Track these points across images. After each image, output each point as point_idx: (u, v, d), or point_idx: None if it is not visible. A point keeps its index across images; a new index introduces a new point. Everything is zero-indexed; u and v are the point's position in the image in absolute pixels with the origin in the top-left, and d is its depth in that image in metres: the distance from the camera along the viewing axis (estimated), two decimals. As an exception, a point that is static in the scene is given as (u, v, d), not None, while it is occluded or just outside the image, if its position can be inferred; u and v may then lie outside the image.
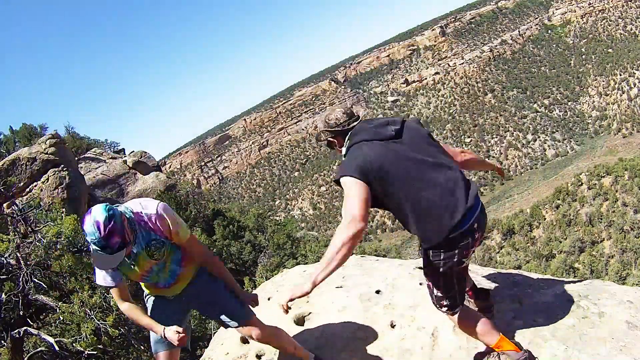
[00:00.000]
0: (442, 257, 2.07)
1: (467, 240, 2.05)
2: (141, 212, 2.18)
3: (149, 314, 2.44)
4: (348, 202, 2.01)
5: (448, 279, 2.15)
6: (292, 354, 2.63)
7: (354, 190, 2.03)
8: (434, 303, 2.28)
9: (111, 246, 1.98)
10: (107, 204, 2.10)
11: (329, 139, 2.31)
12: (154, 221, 2.20)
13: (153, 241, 2.21)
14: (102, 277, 2.23)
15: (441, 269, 2.10)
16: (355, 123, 2.26)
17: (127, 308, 2.31)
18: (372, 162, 2.06)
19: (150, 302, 2.51)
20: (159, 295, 2.48)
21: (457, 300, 2.23)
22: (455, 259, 2.08)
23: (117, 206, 2.14)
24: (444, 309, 2.26)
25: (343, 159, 2.24)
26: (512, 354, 2.16)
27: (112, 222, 1.98)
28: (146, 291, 2.52)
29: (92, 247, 2.04)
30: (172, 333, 2.23)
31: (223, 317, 2.49)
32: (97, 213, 1.98)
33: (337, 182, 2.13)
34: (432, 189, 2.04)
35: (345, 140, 2.25)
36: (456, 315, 2.25)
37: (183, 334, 2.23)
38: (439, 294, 2.22)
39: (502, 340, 2.18)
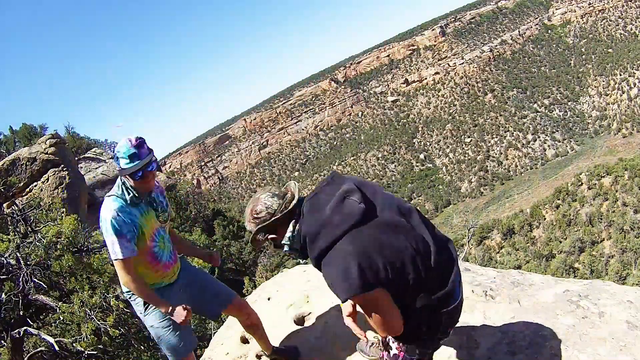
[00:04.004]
0: None
1: None
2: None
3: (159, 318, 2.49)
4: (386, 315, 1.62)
5: None
6: (263, 342, 2.79)
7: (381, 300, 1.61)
8: None
9: (139, 155, 2.19)
10: None
11: (270, 237, 1.71)
12: (161, 189, 2.49)
13: (160, 202, 2.44)
14: (123, 246, 2.24)
15: None
16: (294, 202, 1.70)
17: (136, 277, 2.29)
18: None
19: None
20: (160, 288, 2.50)
21: None
22: None
23: None
24: None
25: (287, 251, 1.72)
26: None
27: (142, 139, 2.24)
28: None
29: (122, 163, 2.20)
30: (181, 309, 2.29)
31: (214, 300, 2.60)
32: (130, 136, 2.23)
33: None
34: None
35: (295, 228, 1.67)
36: None
37: (188, 310, 2.31)
38: None
39: None
